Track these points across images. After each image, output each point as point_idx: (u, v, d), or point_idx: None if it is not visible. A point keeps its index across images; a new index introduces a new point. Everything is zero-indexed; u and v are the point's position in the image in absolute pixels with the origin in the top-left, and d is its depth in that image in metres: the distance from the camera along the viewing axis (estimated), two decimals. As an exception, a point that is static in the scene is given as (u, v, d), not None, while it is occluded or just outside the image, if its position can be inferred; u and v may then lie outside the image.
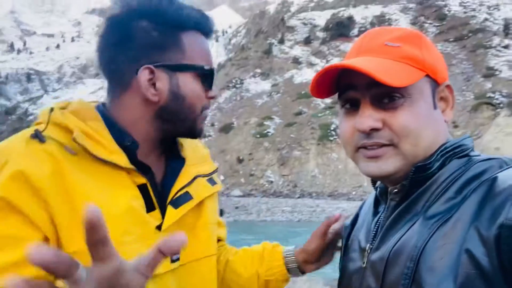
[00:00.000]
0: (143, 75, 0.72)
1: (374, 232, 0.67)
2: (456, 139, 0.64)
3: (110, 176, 0.69)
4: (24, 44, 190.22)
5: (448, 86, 0.66)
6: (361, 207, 0.82)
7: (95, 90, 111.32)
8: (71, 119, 0.69)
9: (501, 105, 36.82)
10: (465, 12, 59.73)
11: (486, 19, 55.92)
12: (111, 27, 0.75)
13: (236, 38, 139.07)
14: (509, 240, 0.47)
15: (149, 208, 0.72)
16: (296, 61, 64.33)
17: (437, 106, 0.64)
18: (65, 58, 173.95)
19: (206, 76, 0.77)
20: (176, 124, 0.76)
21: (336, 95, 0.67)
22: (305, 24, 71.42)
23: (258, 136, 47.27)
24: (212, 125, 58.20)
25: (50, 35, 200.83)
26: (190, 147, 0.86)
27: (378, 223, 0.68)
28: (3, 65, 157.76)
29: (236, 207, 28.18)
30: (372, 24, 63.71)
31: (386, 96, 0.61)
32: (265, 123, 49.26)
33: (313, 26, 71.09)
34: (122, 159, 0.69)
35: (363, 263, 0.66)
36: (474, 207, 0.53)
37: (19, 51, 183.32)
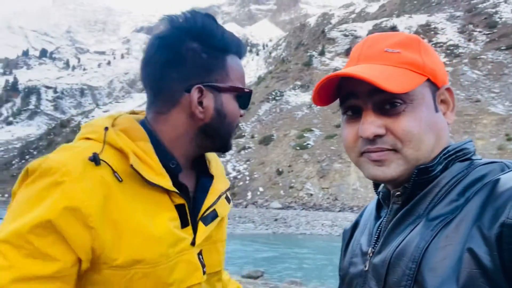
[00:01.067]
0: (194, 93, 0.77)
1: (376, 236, 0.68)
2: (459, 142, 0.65)
3: (153, 198, 0.73)
4: (78, 61, 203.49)
5: (448, 89, 0.67)
6: (362, 213, 0.82)
7: (142, 103, 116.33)
8: (125, 141, 0.73)
9: (561, 116, 34.14)
10: (518, 19, 56.49)
11: (542, 25, 52.51)
12: (162, 46, 0.78)
13: (277, 51, 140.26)
14: (511, 239, 0.48)
15: (183, 224, 0.76)
16: (336, 73, 63.56)
17: (439, 109, 0.65)
18: (115, 73, 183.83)
19: (244, 97, 0.83)
20: (215, 139, 0.82)
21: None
22: (346, 35, 70.81)
23: (297, 148, 47.08)
24: (252, 137, 58.74)
25: (102, 53, 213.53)
26: (215, 163, 0.90)
27: (380, 227, 0.68)
28: (59, 81, 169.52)
29: (275, 219, 28.10)
30: (417, 34, 61.82)
31: (387, 103, 0.61)
32: (305, 135, 49.01)
33: (354, 37, 70.25)
34: (167, 182, 0.74)
35: (365, 266, 0.66)
36: (476, 208, 0.54)
37: (73, 68, 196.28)
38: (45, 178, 0.65)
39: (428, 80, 0.63)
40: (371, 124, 0.61)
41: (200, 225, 0.79)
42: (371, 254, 0.66)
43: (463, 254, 0.51)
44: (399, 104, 0.61)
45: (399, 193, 0.64)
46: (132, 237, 0.69)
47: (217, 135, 0.81)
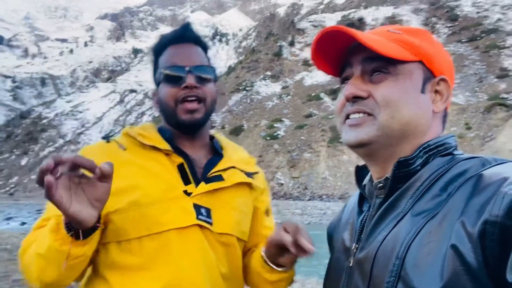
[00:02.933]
0: (153, 96, 1.06)
1: (359, 231, 0.68)
2: (440, 137, 0.65)
3: (155, 158, 0.94)
4: (38, 49, 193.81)
5: (445, 81, 0.67)
6: (344, 208, 0.83)
7: (107, 93, 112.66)
8: (134, 129, 0.99)
9: (516, 106, 36.13)
10: (477, 13, 58.92)
11: (499, 19, 55.06)
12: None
13: (247, 41, 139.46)
14: (494, 236, 0.48)
15: (186, 182, 0.94)
16: (306, 64, 64.26)
17: (426, 92, 0.66)
18: (78, 62, 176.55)
19: (168, 75, 0.97)
20: (167, 120, 1.01)
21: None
22: (315, 26, 71.30)
23: (268, 138, 47.26)
24: (223, 127, 58.33)
25: (64, 40, 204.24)
26: (233, 150, 1.07)
27: (363, 222, 0.68)
28: (18, 70, 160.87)
29: (246, 209, 28.10)
30: (383, 26, 63.17)
31: (375, 71, 0.65)
32: (275, 125, 49.24)
33: (323, 28, 70.76)
34: (162, 144, 0.95)
35: (350, 262, 0.66)
36: (459, 204, 0.53)
37: (33, 56, 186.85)
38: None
39: (422, 63, 0.66)
40: (354, 85, 0.65)
41: (202, 183, 0.95)
42: (355, 250, 0.66)
43: (447, 250, 0.51)
44: (384, 73, 0.64)
45: (381, 184, 0.65)
46: (126, 184, 0.88)
47: (165, 116, 1.01)
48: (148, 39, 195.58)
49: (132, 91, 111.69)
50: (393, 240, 0.58)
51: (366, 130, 0.64)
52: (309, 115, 48.77)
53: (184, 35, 1.01)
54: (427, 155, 0.63)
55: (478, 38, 52.73)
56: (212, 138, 1.08)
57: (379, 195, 0.66)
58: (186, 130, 0.99)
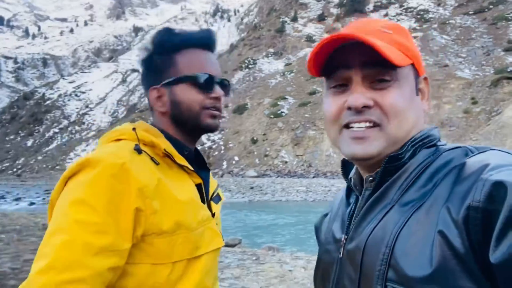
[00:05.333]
0: (152, 94, 0.97)
1: (348, 222, 0.69)
2: (425, 130, 0.67)
3: (179, 177, 0.92)
4: (39, 29, 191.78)
5: (425, 79, 0.69)
6: (331, 203, 0.83)
7: (109, 73, 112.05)
8: (151, 136, 0.91)
9: (523, 79, 35.55)
10: (486, -17, 57.13)
11: (508, -10, 53.41)
12: (141, 65, 1.00)
13: (248, 17, 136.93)
14: (477, 221, 0.50)
15: (202, 201, 0.95)
16: (309, 39, 63.16)
17: (418, 93, 0.68)
18: (79, 42, 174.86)
19: (202, 82, 0.95)
20: (184, 124, 0.97)
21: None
22: (318, 0, 69.69)
23: (272, 116, 47.10)
24: (226, 106, 58.15)
25: (63, 20, 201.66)
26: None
27: (350, 214, 0.69)
28: (19, 51, 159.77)
29: (251, 188, 28.42)
30: (388, -1, 61.77)
31: (377, 76, 0.63)
32: (279, 103, 48.94)
33: (327, 2, 69.31)
34: (186, 164, 0.93)
35: (340, 253, 0.67)
36: (445, 192, 0.56)
37: (34, 36, 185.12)
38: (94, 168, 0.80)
39: (412, 65, 0.66)
40: (362, 94, 0.62)
41: (212, 203, 0.99)
42: (344, 241, 0.67)
43: (434, 237, 0.53)
44: (387, 79, 0.63)
45: (371, 178, 0.66)
46: (172, 205, 0.85)
47: (182, 119, 0.96)
48: (148, 17, 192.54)
49: (134, 70, 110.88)
50: (382, 230, 0.60)
51: (375, 144, 0.63)
52: (313, 92, 48.34)
53: (211, 44, 1.00)
54: (413, 148, 0.64)
55: (485, 10, 51.37)
56: (196, 150, 1.07)
57: (368, 188, 0.67)
58: (203, 133, 1.00)
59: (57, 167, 66.39)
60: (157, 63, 0.96)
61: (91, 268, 0.72)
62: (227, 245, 8.42)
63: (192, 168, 0.93)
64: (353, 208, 0.70)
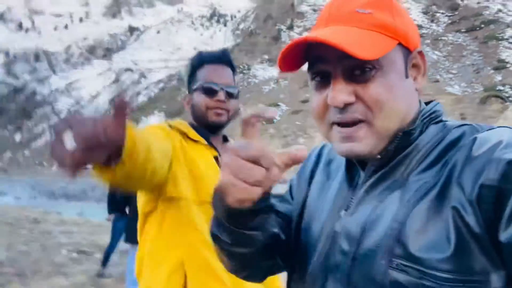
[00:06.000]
0: (184, 100, 1.40)
1: (351, 197, 0.66)
2: (431, 105, 0.65)
3: (200, 149, 1.30)
4: (33, 23, 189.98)
5: (420, 53, 0.64)
6: (317, 162, 0.79)
7: (102, 71, 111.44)
8: (176, 124, 1.33)
9: (511, 98, 36.49)
10: (478, 3, 58.64)
11: (499, 10, 54.91)
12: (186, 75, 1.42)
13: (245, 23, 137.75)
14: (489, 199, 0.49)
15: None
16: (304, 48, 63.54)
17: (409, 75, 0.62)
18: (73, 38, 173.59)
19: (206, 89, 1.32)
20: (199, 122, 1.35)
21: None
22: (315, 10, 70.54)
23: (263, 122, 47.12)
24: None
25: (58, 15, 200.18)
26: None
27: (351, 187, 0.67)
28: (11, 44, 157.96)
29: (240, 192, 28.48)
30: (383, 12, 62.67)
31: (357, 68, 0.58)
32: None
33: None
34: (202, 140, 1.31)
35: (335, 227, 0.65)
36: (457, 170, 0.54)
37: (27, 30, 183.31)
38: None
39: (400, 43, 0.61)
40: (341, 91, 0.58)
41: None
42: (342, 215, 0.65)
43: (449, 216, 0.52)
44: (368, 69, 0.58)
45: (380, 156, 0.62)
46: (203, 178, 1.22)
47: (196, 117, 1.34)
48: (145, 17, 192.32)
49: (128, 69, 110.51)
50: (389, 208, 0.58)
51: (365, 143, 0.60)
52: (306, 101, 48.81)
53: (221, 58, 1.36)
54: (422, 123, 0.62)
55: (477, 29, 52.64)
56: (225, 138, 1.42)
57: (373, 164, 0.63)
58: (212, 129, 1.33)
59: (44, 163, 65.58)
60: (188, 77, 1.39)
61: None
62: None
63: (205, 143, 1.30)
64: (355, 182, 0.67)
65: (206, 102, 1.29)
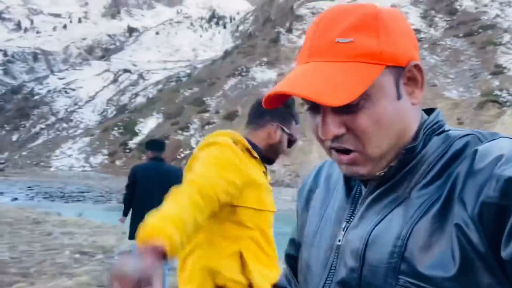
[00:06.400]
0: (274, 127, 1.55)
1: (352, 209, 0.65)
2: (432, 115, 0.64)
3: (255, 164, 1.49)
4: (31, 23, 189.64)
5: (416, 66, 0.61)
6: (317, 176, 0.79)
7: (100, 72, 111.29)
8: (244, 142, 1.50)
9: (508, 103, 36.76)
10: (476, 8, 59.06)
11: (497, 15, 55.32)
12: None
13: (244, 25, 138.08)
14: (490, 217, 0.49)
15: None
16: (303, 51, 63.68)
17: (402, 94, 0.60)
18: (72, 38, 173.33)
19: (290, 138, 1.58)
20: (274, 153, 1.58)
21: None
22: (314, 13, 70.79)
23: (262, 124, 47.36)
24: (217, 112, 58.27)
25: (57, 15, 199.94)
26: None
27: (355, 200, 0.66)
28: (9, 44, 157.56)
29: (238, 194, 28.47)
30: (382, 16, 62.92)
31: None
32: (270, 112, 49.23)
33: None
34: (258, 158, 1.51)
35: (339, 240, 0.64)
36: (459, 186, 0.54)
37: (26, 30, 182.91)
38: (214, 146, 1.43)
39: (389, 66, 0.58)
40: (330, 125, 0.58)
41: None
42: (345, 229, 0.64)
43: (452, 233, 0.52)
44: (356, 101, 0.56)
45: (383, 173, 0.61)
46: (261, 189, 1.47)
47: (275, 151, 1.57)
48: (144, 18, 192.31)
49: (126, 70, 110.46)
50: (392, 223, 0.57)
51: (361, 167, 0.60)
52: (303, 103, 48.81)
53: (297, 122, 1.63)
54: (425, 135, 0.61)
55: (475, 34, 52.99)
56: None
57: (374, 179, 0.63)
58: (271, 160, 1.59)
59: (42, 163, 65.42)
60: (285, 115, 1.58)
61: (216, 182, 1.29)
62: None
63: (259, 159, 1.50)
64: (357, 194, 0.66)
65: (285, 145, 1.57)
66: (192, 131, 57.25)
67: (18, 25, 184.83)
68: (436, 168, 0.58)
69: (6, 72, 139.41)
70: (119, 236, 8.46)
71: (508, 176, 0.49)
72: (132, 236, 3.87)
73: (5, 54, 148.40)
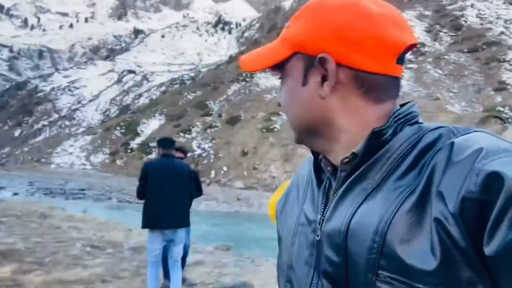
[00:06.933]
0: None
1: (323, 202, 0.65)
2: (407, 105, 0.63)
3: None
4: (38, 20, 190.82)
5: (323, 59, 0.60)
6: (293, 182, 0.79)
7: (105, 72, 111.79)
8: None
9: (510, 119, 36.91)
10: (481, 24, 59.49)
11: (502, 33, 55.71)
12: None
13: (249, 32, 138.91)
14: (471, 212, 0.48)
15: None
16: (308, 60, 64.01)
17: (309, 82, 0.62)
18: (78, 38, 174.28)
19: None
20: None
21: None
22: (320, 23, 71.18)
23: (264, 130, 47.61)
24: (220, 116, 58.45)
25: (64, 14, 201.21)
26: None
27: (325, 192, 0.66)
28: (16, 40, 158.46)
29: (238, 199, 28.60)
30: (387, 29, 63.28)
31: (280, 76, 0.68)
32: (272, 118, 49.50)
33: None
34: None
35: (317, 236, 0.63)
36: (436, 177, 0.53)
37: (32, 27, 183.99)
38: None
39: (299, 52, 0.63)
40: (278, 93, 0.71)
41: None
42: (321, 222, 0.63)
43: (431, 226, 0.51)
44: (281, 78, 0.67)
45: (347, 159, 0.61)
46: None
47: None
48: (150, 21, 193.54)
49: (131, 71, 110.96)
50: (369, 216, 0.56)
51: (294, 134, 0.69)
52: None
53: None
54: (396, 124, 0.60)
55: (479, 50, 53.34)
56: None
57: (344, 169, 0.62)
58: None
59: (43, 159, 65.50)
60: None
61: None
62: (222, 249, 8.65)
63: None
64: (327, 186, 0.66)
65: None
66: (194, 134, 57.35)
67: (25, 22, 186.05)
68: (409, 159, 0.57)
69: (11, 68, 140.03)
70: (126, 232, 8.57)
71: (489, 171, 0.48)
72: (144, 225, 4.03)
73: (11, 50, 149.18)
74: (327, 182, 0.66)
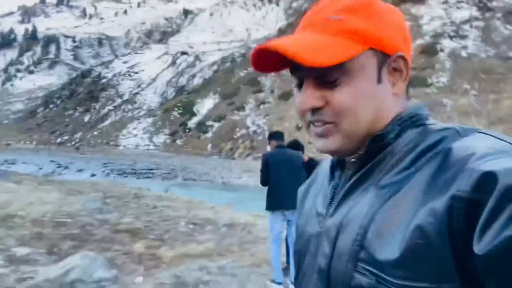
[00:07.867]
0: None
1: (330, 198, 0.68)
2: (412, 108, 0.63)
3: None
4: (95, 9, 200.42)
5: (402, 57, 0.62)
6: (316, 174, 0.83)
7: (160, 55, 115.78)
8: None
9: None
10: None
11: None
12: None
13: (298, 2, 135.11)
14: (460, 210, 0.48)
15: None
16: (361, 27, 61.30)
17: (383, 79, 0.61)
18: (132, 23, 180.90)
19: None
20: None
21: None
22: (372, -14, 67.41)
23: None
24: (272, 92, 58.63)
25: (118, 1, 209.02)
26: None
27: (333, 190, 0.68)
28: (77, 30, 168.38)
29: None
30: None
31: (326, 74, 0.60)
32: (326, 91, 48.60)
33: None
34: None
35: (320, 228, 0.67)
36: (426, 178, 0.53)
37: (90, 17, 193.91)
38: None
39: (373, 49, 0.60)
40: (310, 96, 0.61)
41: None
42: (324, 216, 0.67)
43: (409, 223, 0.51)
44: (335, 77, 0.59)
45: (354, 160, 0.64)
46: None
47: None
48: (199, 0, 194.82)
49: (184, 53, 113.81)
50: (359, 211, 0.59)
51: (332, 141, 0.62)
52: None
53: None
54: (400, 127, 0.61)
55: None
56: None
57: (350, 168, 0.65)
58: None
59: (111, 142, 70.57)
60: None
61: None
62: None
63: None
64: (336, 183, 0.69)
65: None
66: (247, 111, 58.32)
67: (84, 12, 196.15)
68: (407, 159, 0.58)
69: (76, 58, 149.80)
70: (211, 210, 9.07)
71: (483, 171, 0.48)
72: (268, 207, 4.66)
73: (73, 40, 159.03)
74: (337, 181, 0.69)
